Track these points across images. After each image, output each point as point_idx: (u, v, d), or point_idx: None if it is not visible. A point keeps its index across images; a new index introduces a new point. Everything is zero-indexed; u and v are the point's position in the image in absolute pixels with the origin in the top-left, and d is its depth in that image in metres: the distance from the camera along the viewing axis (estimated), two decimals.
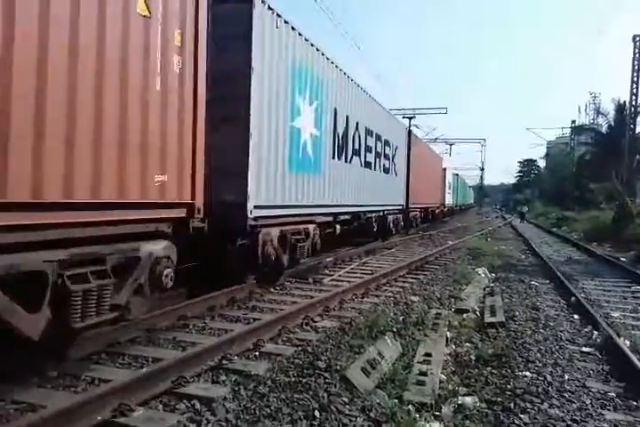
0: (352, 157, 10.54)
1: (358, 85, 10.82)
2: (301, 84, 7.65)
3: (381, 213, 13.69)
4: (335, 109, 9.31)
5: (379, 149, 12.97)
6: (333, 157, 9.35)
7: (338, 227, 9.95)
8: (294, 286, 7.51)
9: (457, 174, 41.54)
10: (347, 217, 10.56)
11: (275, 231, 7.00)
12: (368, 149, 11.83)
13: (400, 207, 15.85)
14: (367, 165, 11.86)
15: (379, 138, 12.90)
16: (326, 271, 8.87)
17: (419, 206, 19.72)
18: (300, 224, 7.85)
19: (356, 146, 10.80)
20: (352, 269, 9.39)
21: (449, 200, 33.37)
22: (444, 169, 30.64)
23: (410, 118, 38.65)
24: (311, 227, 8.29)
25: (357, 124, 10.76)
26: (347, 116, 10.00)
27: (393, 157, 14.73)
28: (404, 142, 16.46)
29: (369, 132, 11.86)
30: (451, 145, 53.19)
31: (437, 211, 27.24)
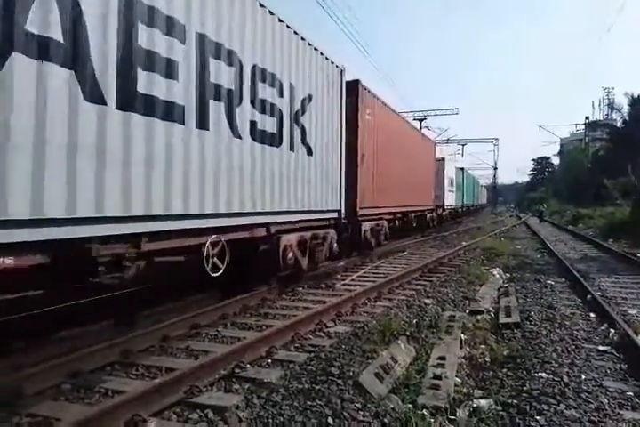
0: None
1: None
2: None
3: (266, 232, 6.62)
4: None
5: (230, 85, 5.52)
6: None
7: None
8: (307, 291, 7.52)
9: (462, 169, 32.48)
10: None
11: None
12: (161, 70, 4.46)
13: (333, 216, 8.83)
14: (160, 112, 4.46)
15: (227, 57, 5.45)
16: (338, 276, 8.86)
17: (386, 211, 12.64)
18: None
19: (59, 36, 3.46)
20: (364, 273, 9.37)
21: (451, 201, 25.60)
22: (442, 160, 22.85)
23: (421, 120, 38.80)
24: None
25: None
26: None
27: (296, 114, 7.21)
28: (333, 93, 8.61)
29: (167, 27, 4.52)
30: (463, 145, 53.07)
31: (430, 215, 19.88)
